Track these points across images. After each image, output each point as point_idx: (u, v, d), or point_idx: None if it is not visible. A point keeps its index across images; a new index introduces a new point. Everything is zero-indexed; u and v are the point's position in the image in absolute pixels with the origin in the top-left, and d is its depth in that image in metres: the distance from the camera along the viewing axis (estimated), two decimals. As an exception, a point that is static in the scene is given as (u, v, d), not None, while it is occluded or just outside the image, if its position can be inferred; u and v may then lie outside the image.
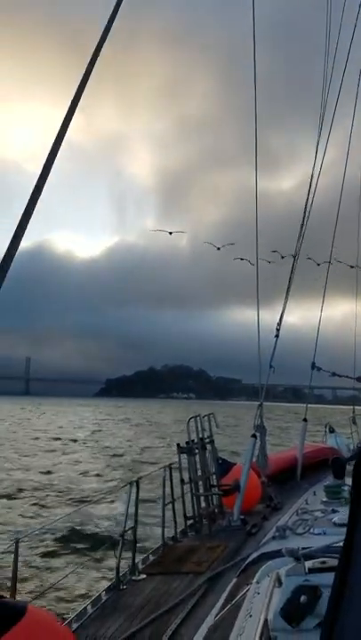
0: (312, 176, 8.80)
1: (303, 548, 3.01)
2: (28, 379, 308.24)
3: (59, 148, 1.88)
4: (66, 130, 1.95)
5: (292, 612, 2.41)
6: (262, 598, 2.74)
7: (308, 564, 2.70)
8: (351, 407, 16.50)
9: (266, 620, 2.40)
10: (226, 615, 3.34)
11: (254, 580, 3.22)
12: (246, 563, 4.37)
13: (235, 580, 4.23)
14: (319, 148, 8.87)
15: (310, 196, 8.68)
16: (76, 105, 1.99)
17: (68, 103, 1.90)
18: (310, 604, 2.39)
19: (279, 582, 2.79)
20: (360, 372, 11.21)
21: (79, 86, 2.00)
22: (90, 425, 52.41)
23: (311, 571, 2.61)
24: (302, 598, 2.42)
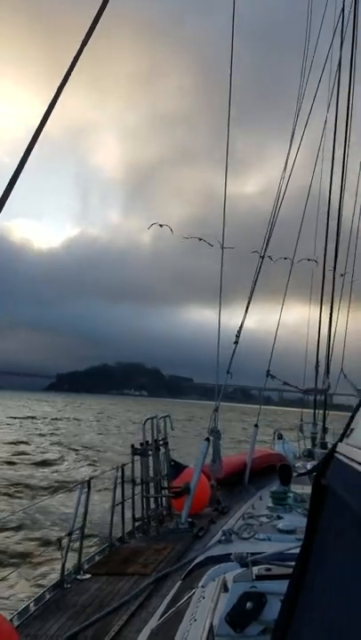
0: (281, 179, 9.04)
1: (251, 554, 3.06)
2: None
3: (37, 138, 1.88)
4: (47, 119, 1.94)
5: (238, 617, 2.45)
6: (208, 603, 2.76)
7: (255, 570, 2.74)
8: (296, 409, 17.04)
9: (211, 625, 2.43)
10: (169, 618, 3.36)
11: (200, 584, 3.26)
12: (192, 566, 4.44)
13: (180, 583, 4.28)
14: (291, 152, 9.13)
15: (279, 200, 8.91)
16: (58, 97, 1.98)
17: (51, 95, 1.90)
18: (256, 610, 2.44)
19: (225, 588, 2.84)
20: (309, 379, 11.63)
21: (63, 79, 1.98)
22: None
23: (258, 578, 2.65)
24: (248, 604, 2.47)
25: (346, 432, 1.16)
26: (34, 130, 1.91)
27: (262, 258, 8.77)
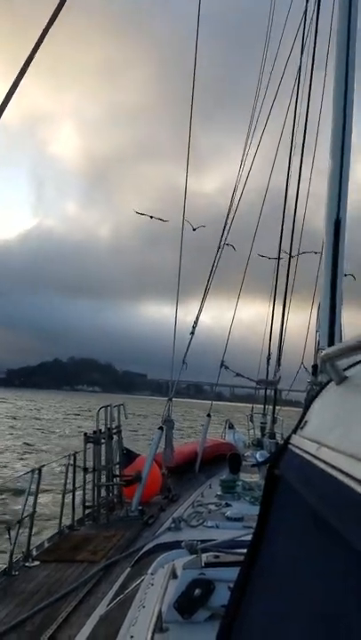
0: (239, 175, 9.19)
1: (201, 542, 3.12)
2: None
3: None
4: (4, 109, 1.92)
5: (186, 604, 2.49)
6: (157, 589, 2.81)
7: (203, 558, 2.78)
8: (247, 405, 17.41)
9: (160, 612, 2.47)
10: (118, 605, 3.38)
11: (149, 571, 3.29)
12: (141, 553, 4.49)
13: (128, 570, 4.31)
14: (249, 151, 9.30)
15: (237, 197, 9.06)
16: (16, 87, 1.96)
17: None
18: (204, 597, 2.50)
19: (174, 575, 2.87)
20: (263, 373, 11.92)
21: (22, 68, 1.97)
22: None
23: (207, 565, 2.70)
24: (196, 591, 2.52)
25: (299, 424, 1.19)
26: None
27: (220, 250, 8.89)
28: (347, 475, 0.71)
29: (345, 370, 1.12)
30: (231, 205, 9.02)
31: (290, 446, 1.11)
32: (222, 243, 8.96)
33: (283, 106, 10.00)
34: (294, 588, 0.85)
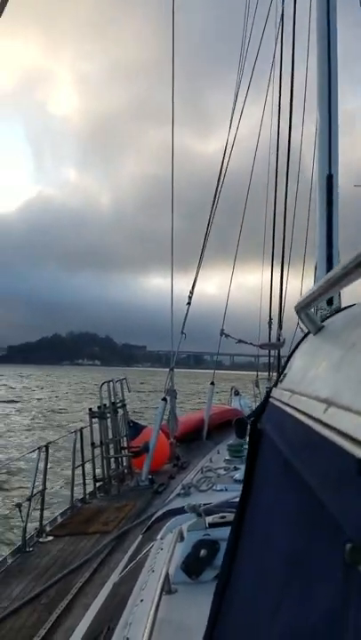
0: (228, 139, 8.85)
1: (204, 505, 3.16)
2: None
3: None
4: None
5: (193, 565, 2.54)
6: (165, 553, 2.84)
7: (209, 519, 2.83)
8: (248, 372, 17.50)
9: (167, 574, 2.50)
10: (130, 571, 3.42)
11: (159, 537, 3.34)
12: (152, 520, 4.53)
13: (140, 538, 4.37)
14: (236, 107, 8.93)
15: (226, 159, 8.74)
16: None
17: None
18: (209, 557, 2.54)
19: (182, 537, 2.92)
20: (264, 338, 11.85)
21: None
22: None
23: (211, 525, 2.74)
24: (202, 552, 2.56)
25: (279, 377, 1.17)
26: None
27: (213, 210, 8.59)
28: (314, 419, 0.68)
29: (323, 321, 1.09)
30: (223, 164, 8.67)
31: (270, 399, 1.10)
32: (215, 205, 8.65)
33: (269, 59, 9.52)
34: (280, 539, 0.83)
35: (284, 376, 1.15)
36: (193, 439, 8.94)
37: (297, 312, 1.10)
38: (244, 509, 1.07)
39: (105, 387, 7.61)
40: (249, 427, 1.18)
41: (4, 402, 35.21)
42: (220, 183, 8.84)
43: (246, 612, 0.93)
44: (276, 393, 1.10)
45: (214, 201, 8.82)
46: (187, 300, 8.61)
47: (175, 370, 8.23)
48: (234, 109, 9.02)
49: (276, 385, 1.17)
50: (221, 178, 8.86)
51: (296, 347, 1.22)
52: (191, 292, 8.76)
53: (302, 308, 1.06)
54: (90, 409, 7.40)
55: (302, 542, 0.71)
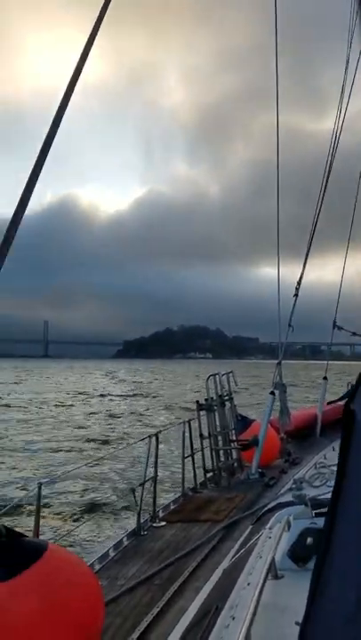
0: (337, 117, 8.27)
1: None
2: (47, 341, 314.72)
3: (76, 83, 1.76)
4: (84, 62, 1.81)
5: (299, 552, 2.57)
6: (272, 541, 2.88)
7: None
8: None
9: (273, 560, 2.55)
10: (239, 558, 3.48)
11: (268, 526, 3.34)
12: (263, 512, 4.48)
13: (250, 528, 4.38)
14: (345, 87, 8.31)
15: (334, 142, 8.17)
16: (95, 36, 1.85)
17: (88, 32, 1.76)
18: (316, 544, 2.51)
19: (289, 526, 2.95)
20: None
21: (100, 12, 1.84)
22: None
23: (318, 515, 2.74)
24: (308, 540, 2.59)
25: None
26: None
27: (322, 194, 8.05)
28: None
29: None
30: (331, 144, 8.08)
31: None
32: (323, 190, 8.09)
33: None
34: None
35: None
36: (305, 435, 8.65)
37: None
38: (339, 493, 1.03)
39: (211, 380, 7.67)
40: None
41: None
42: (329, 165, 8.29)
43: (342, 594, 0.93)
44: None
45: (323, 184, 8.30)
46: (294, 292, 8.27)
47: (289, 362, 7.99)
48: (344, 85, 8.40)
49: None
50: (329, 159, 8.32)
51: None
52: (298, 283, 8.39)
53: None
54: (197, 401, 7.52)
55: None
